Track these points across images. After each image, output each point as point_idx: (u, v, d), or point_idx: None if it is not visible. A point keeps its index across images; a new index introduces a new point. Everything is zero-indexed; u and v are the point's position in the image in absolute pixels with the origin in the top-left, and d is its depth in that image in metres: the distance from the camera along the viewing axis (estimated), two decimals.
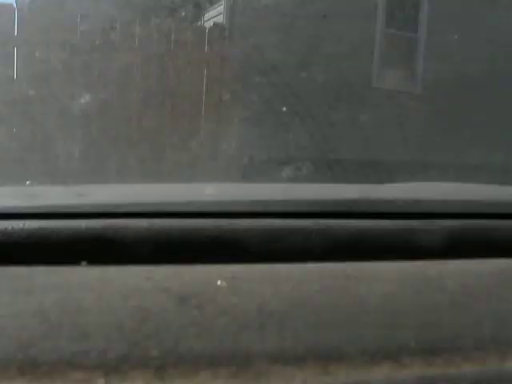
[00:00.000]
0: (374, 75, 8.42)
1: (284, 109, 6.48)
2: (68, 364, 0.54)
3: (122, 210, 0.95)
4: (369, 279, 0.74)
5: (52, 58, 5.58)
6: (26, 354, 0.54)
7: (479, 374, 0.56)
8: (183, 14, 9.06)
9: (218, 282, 0.71)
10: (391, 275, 0.76)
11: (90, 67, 5.78)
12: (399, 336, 0.60)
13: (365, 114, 7.65)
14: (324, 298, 0.67)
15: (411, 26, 8.76)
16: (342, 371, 0.55)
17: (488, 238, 0.97)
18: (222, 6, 7.63)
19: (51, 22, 5.71)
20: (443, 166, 7.14)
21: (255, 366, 0.54)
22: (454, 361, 0.58)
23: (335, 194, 1.26)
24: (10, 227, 0.83)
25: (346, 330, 0.60)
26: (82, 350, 0.55)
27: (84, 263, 0.79)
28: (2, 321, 0.60)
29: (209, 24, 7.57)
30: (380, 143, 7.46)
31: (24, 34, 5.63)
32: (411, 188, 1.55)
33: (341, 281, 0.73)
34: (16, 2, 8.41)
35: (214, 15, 7.91)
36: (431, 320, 0.64)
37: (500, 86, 9.20)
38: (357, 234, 0.92)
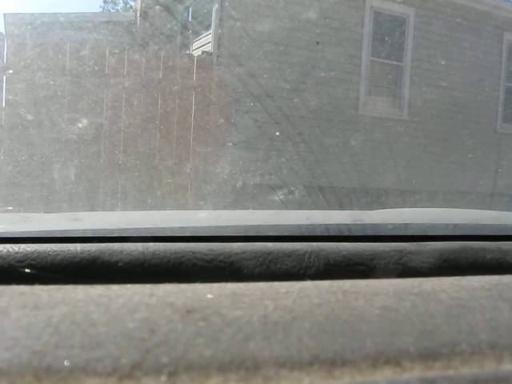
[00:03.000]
0: (360, 103, 8.51)
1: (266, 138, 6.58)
2: (83, 371, 0.55)
3: (117, 234, 0.98)
4: (366, 294, 0.76)
5: (43, 83, 5.60)
6: (41, 361, 0.56)
7: (477, 375, 0.59)
8: (173, 43, 9.18)
9: (220, 298, 0.73)
10: (387, 290, 0.78)
11: (82, 93, 5.81)
12: (399, 342, 0.62)
13: (353, 141, 7.75)
14: (324, 311, 0.69)
15: (396, 54, 8.90)
16: (346, 375, 0.57)
17: (476, 258, 1.01)
18: (211, 35, 7.71)
19: (42, 49, 5.74)
20: (431, 191, 7.23)
21: (264, 370, 0.56)
22: (453, 364, 0.60)
23: (327, 220, 1.29)
24: (5, 250, 0.85)
25: (347, 338, 0.63)
26: (95, 358, 0.56)
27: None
28: (13, 332, 0.61)
29: (197, 52, 7.66)
30: (368, 169, 7.54)
31: (14, 60, 5.63)
32: (400, 213, 1.59)
33: (339, 295, 0.75)
34: (5, 30, 8.48)
35: (203, 44, 7.99)
36: (429, 328, 0.66)
37: (483, 111, 9.38)
38: (349, 255, 0.94)
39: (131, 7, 14.77)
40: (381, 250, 0.97)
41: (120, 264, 0.86)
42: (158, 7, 9.41)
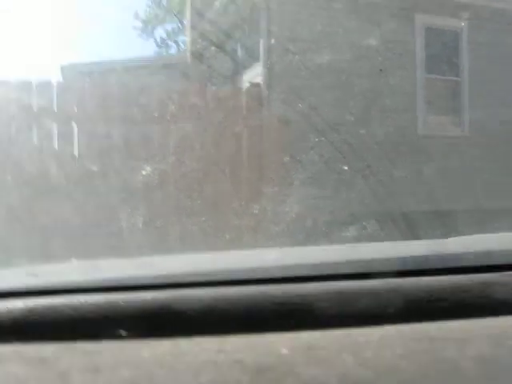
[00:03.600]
0: (420, 123, 8.36)
1: (336, 167, 6.52)
2: None
3: (188, 279, 0.95)
4: (455, 340, 0.69)
5: (101, 132, 5.73)
6: None
7: None
8: (227, 79, 9.30)
9: (294, 352, 0.68)
10: (480, 334, 0.71)
11: (138, 138, 5.91)
12: None
13: (421, 164, 7.56)
14: (411, 364, 0.63)
15: (452, 69, 8.76)
16: None
17: None
18: (260, 68, 7.75)
19: (97, 97, 5.88)
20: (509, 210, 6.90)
21: None
22: None
23: (404, 252, 1.23)
24: (76, 301, 0.84)
25: None
26: None
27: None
28: None
29: (250, 85, 7.72)
30: (441, 193, 7.33)
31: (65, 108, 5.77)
32: (481, 239, 1.50)
33: (425, 344, 0.69)
34: (63, 80, 8.80)
35: (253, 77, 8.05)
36: None
37: None
38: (430, 291, 0.89)
39: (183, 49, 15.11)
40: (463, 282, 0.91)
41: (190, 312, 0.83)
42: (208, 46, 9.61)
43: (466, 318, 0.81)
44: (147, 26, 21.69)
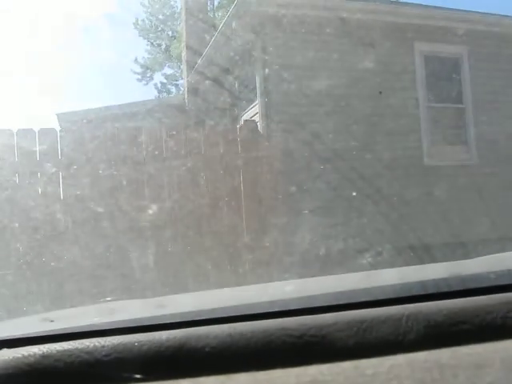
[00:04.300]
0: (424, 153, 8.27)
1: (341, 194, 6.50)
2: None
3: (202, 317, 0.93)
4: (467, 367, 0.66)
5: (95, 174, 5.72)
6: None
7: None
8: (225, 117, 9.37)
9: None
10: (493, 360, 0.68)
11: (141, 178, 5.88)
12: None
13: (435, 191, 7.48)
14: None
15: (455, 96, 8.63)
16: None
17: None
18: (257, 105, 7.73)
19: (97, 140, 5.88)
20: None
21: None
22: None
23: (422, 276, 1.20)
24: (90, 345, 0.82)
25: None
26: None
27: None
28: None
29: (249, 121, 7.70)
30: (455, 219, 7.24)
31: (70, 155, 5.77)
32: (501, 258, 1.47)
33: (435, 373, 0.66)
34: (60, 127, 8.89)
35: (252, 115, 8.04)
36: None
37: None
38: (451, 314, 0.86)
39: (182, 92, 15.37)
40: (485, 303, 0.88)
41: (207, 349, 0.82)
42: (206, 88, 9.71)
43: (486, 340, 0.78)
44: (146, 71, 22.07)
